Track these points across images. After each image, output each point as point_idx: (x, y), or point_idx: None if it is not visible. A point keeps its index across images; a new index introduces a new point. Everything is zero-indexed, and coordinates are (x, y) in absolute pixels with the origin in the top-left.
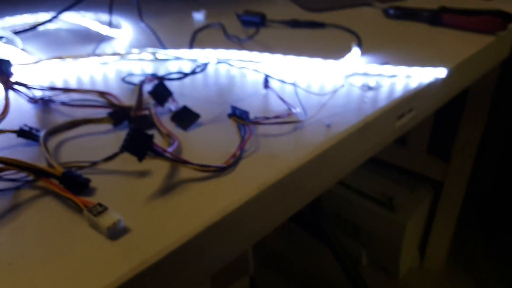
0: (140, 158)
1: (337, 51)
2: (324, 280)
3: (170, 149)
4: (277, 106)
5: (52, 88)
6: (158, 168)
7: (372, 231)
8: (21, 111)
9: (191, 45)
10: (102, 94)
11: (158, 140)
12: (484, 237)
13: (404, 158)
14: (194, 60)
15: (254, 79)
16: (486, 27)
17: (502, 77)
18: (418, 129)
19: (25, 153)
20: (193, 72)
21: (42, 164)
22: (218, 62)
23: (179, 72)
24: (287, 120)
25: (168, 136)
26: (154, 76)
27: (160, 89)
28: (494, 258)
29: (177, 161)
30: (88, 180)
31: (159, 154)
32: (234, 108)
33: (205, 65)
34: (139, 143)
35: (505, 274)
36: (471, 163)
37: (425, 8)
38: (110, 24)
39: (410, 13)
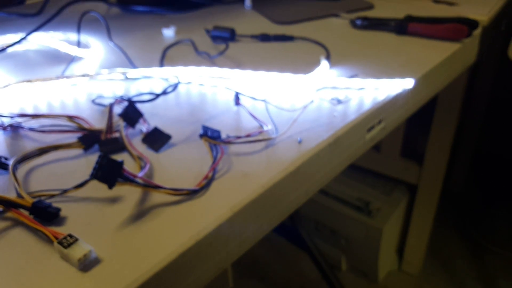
0: (111, 185)
1: (307, 64)
2: (304, 286)
3: (140, 174)
4: (249, 123)
5: (21, 115)
6: (130, 193)
7: (350, 237)
8: None
9: (161, 63)
10: (71, 118)
11: (130, 163)
12: (460, 236)
13: (378, 163)
14: (165, 79)
15: (225, 96)
16: (451, 35)
17: (472, 77)
18: (391, 133)
19: None
20: (164, 93)
21: (11, 196)
22: (189, 83)
23: (150, 93)
24: (259, 138)
25: (140, 159)
26: (124, 98)
27: (130, 110)
28: (471, 257)
29: (148, 186)
30: (58, 210)
31: (130, 180)
32: (205, 128)
33: (176, 85)
34: (109, 170)
35: (482, 273)
36: (444, 164)
37: (392, 17)
38: (78, 44)
39: (377, 23)
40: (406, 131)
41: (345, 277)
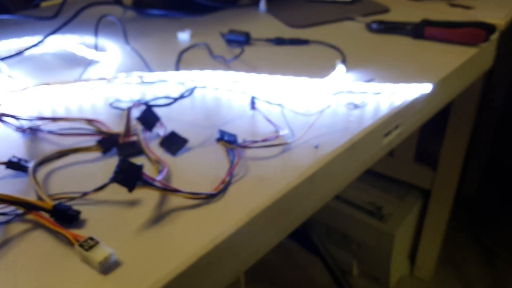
0: (131, 189)
1: (322, 68)
2: None
3: (159, 177)
4: (265, 128)
5: (40, 118)
6: (149, 196)
7: (362, 242)
8: (10, 140)
9: (177, 67)
10: (90, 121)
11: (147, 167)
12: (473, 242)
13: (392, 167)
14: (181, 83)
15: (240, 100)
16: (469, 39)
17: (487, 81)
18: (405, 138)
19: (15, 184)
20: (181, 97)
21: (32, 198)
22: (204, 87)
23: (167, 97)
24: (275, 142)
25: (157, 163)
26: (141, 102)
27: (147, 114)
28: (484, 263)
29: (167, 190)
30: (78, 212)
31: (149, 183)
32: (222, 132)
33: (193, 89)
34: (129, 174)
35: (495, 279)
36: (458, 170)
37: (408, 21)
38: (96, 48)
39: (393, 27)
40: (420, 135)
41: (357, 282)
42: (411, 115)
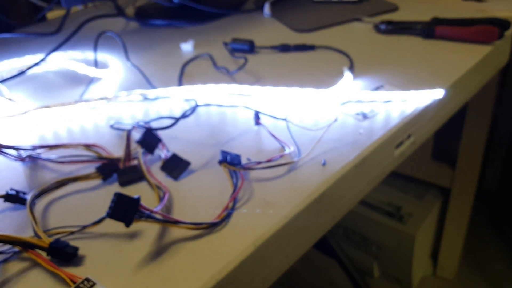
0: (128, 224)
1: (330, 75)
2: None
3: (158, 207)
4: (270, 144)
5: (38, 147)
6: (149, 227)
7: (382, 243)
8: (9, 170)
9: (180, 81)
10: (88, 147)
11: (148, 192)
12: (496, 238)
13: (409, 166)
14: (184, 100)
15: (245, 115)
16: (482, 37)
17: (504, 74)
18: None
19: (13, 218)
20: (183, 116)
21: (28, 236)
22: (207, 104)
23: (169, 117)
24: (281, 162)
25: (158, 188)
26: (141, 124)
27: (148, 137)
28: (509, 259)
29: (167, 222)
30: (76, 249)
31: (147, 216)
32: (224, 154)
33: (194, 108)
34: (125, 208)
35: None
36: (478, 167)
37: (418, 20)
38: (96, 65)
39: (402, 27)
40: (437, 133)
41: (378, 284)
42: (424, 122)
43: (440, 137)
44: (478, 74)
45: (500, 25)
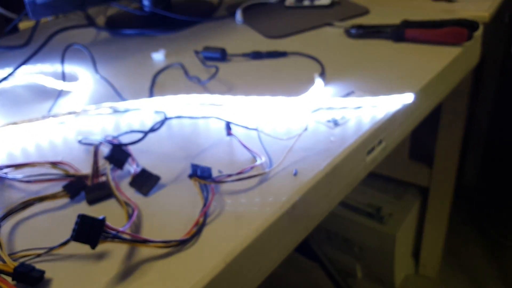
0: (93, 246)
1: (302, 82)
2: None
3: (126, 226)
4: (242, 155)
5: (4, 166)
6: (117, 247)
7: (364, 244)
8: None
9: (151, 92)
10: (55, 165)
11: (117, 210)
12: (477, 234)
13: (387, 167)
14: (154, 111)
15: (216, 126)
16: (451, 39)
17: (477, 70)
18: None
19: None
20: (151, 130)
21: None
22: (179, 116)
23: (137, 131)
24: (252, 174)
25: (127, 205)
26: (110, 140)
27: (116, 152)
28: (489, 255)
29: (135, 241)
30: (42, 273)
31: (114, 236)
32: (194, 167)
33: (163, 121)
34: (90, 229)
35: (502, 272)
36: (455, 165)
37: (388, 24)
38: (64, 78)
39: (373, 31)
40: (414, 132)
41: (361, 284)
42: (395, 127)
43: (417, 137)
44: (448, 76)
45: (469, 26)
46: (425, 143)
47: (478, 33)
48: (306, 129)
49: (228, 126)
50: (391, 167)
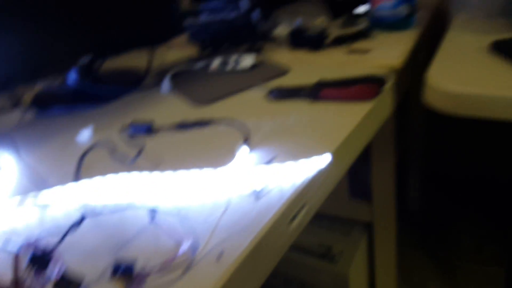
0: None
1: (227, 150)
2: None
3: None
4: (167, 242)
5: None
6: None
7: (318, 286)
8: None
9: (77, 176)
10: None
11: None
12: (429, 257)
13: (331, 206)
14: (80, 203)
15: (141, 213)
16: (362, 96)
17: (405, 102)
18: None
19: None
20: (72, 226)
21: None
22: (103, 206)
23: (60, 231)
24: (176, 264)
25: None
26: (31, 243)
27: (37, 255)
28: (443, 277)
29: None
30: None
31: None
32: (116, 265)
33: (81, 220)
34: None
35: None
36: (392, 197)
37: (305, 84)
38: None
39: (291, 93)
40: (350, 170)
41: None
42: (316, 189)
43: (354, 174)
44: (363, 131)
45: (377, 81)
46: (362, 180)
47: (389, 85)
48: (227, 208)
49: (152, 212)
50: (334, 206)
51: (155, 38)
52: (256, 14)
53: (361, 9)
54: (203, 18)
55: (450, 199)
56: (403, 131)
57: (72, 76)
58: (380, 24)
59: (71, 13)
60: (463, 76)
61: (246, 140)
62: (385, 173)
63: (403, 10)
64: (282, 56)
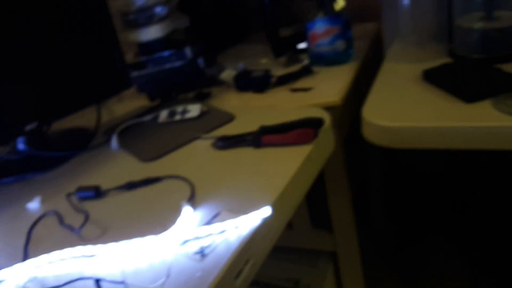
0: None
1: (174, 208)
2: None
3: None
4: None
5: None
6: None
7: None
8: None
9: (25, 254)
10: None
11: None
12: (396, 277)
13: (295, 239)
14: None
15: (87, 283)
16: (301, 140)
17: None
18: (299, 208)
19: None
20: None
21: None
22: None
23: None
24: None
25: None
26: None
27: None
28: None
29: None
30: None
31: None
32: None
33: None
34: None
35: None
36: (352, 224)
37: (248, 132)
38: None
39: (236, 142)
40: (309, 202)
41: None
42: (260, 241)
43: (313, 205)
44: (304, 174)
45: (314, 124)
46: (321, 210)
47: (326, 125)
48: (168, 275)
49: (97, 282)
50: (297, 238)
51: (102, 94)
52: (201, 61)
53: (302, 45)
54: (149, 69)
55: (414, 216)
56: (361, 154)
57: (20, 145)
58: (320, 60)
59: (13, 82)
60: (397, 109)
61: (191, 197)
62: (342, 202)
63: (340, 45)
64: (229, 99)
